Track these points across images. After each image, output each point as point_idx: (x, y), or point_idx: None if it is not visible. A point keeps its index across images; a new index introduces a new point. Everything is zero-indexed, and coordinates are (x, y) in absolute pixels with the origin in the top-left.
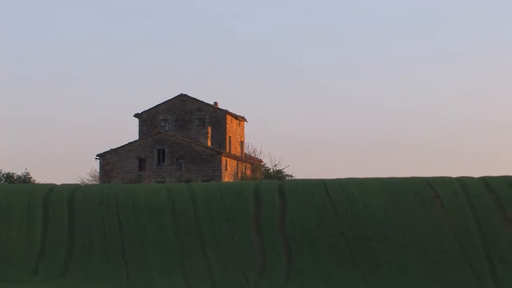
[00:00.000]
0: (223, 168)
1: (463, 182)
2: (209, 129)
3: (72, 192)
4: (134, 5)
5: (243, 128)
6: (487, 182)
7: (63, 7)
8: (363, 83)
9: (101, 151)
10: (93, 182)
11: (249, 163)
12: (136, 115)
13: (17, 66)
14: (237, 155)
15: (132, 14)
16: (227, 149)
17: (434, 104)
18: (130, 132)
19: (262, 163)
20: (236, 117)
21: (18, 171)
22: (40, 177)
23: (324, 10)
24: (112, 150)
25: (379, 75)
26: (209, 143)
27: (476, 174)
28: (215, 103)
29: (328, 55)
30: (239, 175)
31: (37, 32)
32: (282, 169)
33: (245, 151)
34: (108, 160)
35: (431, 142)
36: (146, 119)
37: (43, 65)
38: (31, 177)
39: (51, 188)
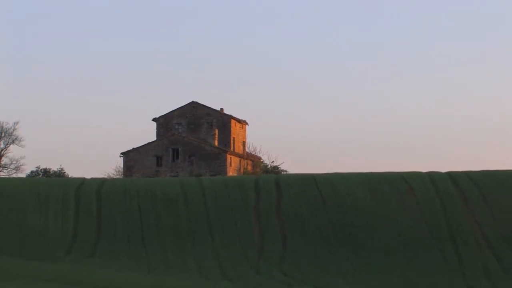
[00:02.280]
0: (228, 164)
1: (432, 176)
2: (216, 131)
3: (100, 185)
4: (153, 28)
5: (245, 130)
6: (452, 176)
7: (92, 25)
8: (350, 89)
9: (125, 150)
10: (117, 177)
11: (250, 160)
12: (154, 119)
13: (54, 78)
14: (240, 153)
15: (152, 34)
16: (231, 148)
17: (409, 107)
18: (149, 134)
19: (261, 160)
20: (239, 121)
21: (54, 167)
22: (73, 172)
23: (317, 22)
24: (133, 149)
25: (365, 79)
26: (216, 143)
27: (443, 169)
28: (221, 109)
29: (322, 64)
30: (242, 170)
31: (73, 48)
32: (278, 165)
33: (247, 150)
34: (130, 157)
35: (406, 141)
36: (163, 122)
37: (77, 77)
38: (65, 172)
39: (82, 182)
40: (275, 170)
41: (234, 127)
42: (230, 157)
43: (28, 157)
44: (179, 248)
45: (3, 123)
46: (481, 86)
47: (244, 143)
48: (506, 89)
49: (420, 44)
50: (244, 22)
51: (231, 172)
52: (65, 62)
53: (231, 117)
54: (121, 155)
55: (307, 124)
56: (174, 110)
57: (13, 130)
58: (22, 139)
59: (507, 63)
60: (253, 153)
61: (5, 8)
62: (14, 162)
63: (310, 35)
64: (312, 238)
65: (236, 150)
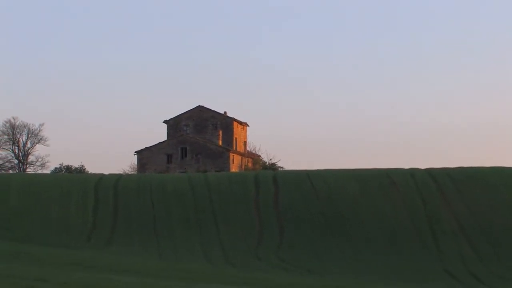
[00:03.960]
0: (230, 162)
1: (413, 173)
2: (220, 132)
3: (116, 180)
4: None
5: (246, 131)
6: (431, 172)
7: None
8: (342, 94)
9: (139, 149)
10: (132, 173)
11: (251, 158)
12: (165, 121)
13: (76, 84)
14: (241, 152)
15: (162, 45)
16: (234, 147)
17: (395, 111)
18: (160, 134)
19: (261, 158)
20: (241, 123)
21: (75, 164)
22: (92, 169)
23: (314, 29)
24: (146, 148)
25: (356, 84)
26: (220, 143)
27: (423, 166)
28: (225, 112)
29: (317, 71)
30: (243, 167)
31: (94, 58)
32: (276, 162)
33: (248, 148)
34: (144, 155)
35: (390, 141)
36: (173, 124)
37: (97, 83)
38: (85, 169)
39: (100, 177)
40: (273, 166)
41: (236, 128)
42: (233, 155)
43: (52, 155)
44: (187, 237)
45: (29, 124)
46: (460, 92)
47: (245, 142)
48: (481, 94)
49: (411, 52)
50: (245, 33)
51: (234, 168)
52: (87, 71)
53: (233, 119)
54: (136, 153)
55: (302, 125)
56: (182, 113)
57: (39, 131)
58: (47, 139)
59: (488, 67)
60: (253, 151)
61: (30, 17)
62: (40, 159)
63: (308, 43)
64: (306, 228)
65: (238, 149)
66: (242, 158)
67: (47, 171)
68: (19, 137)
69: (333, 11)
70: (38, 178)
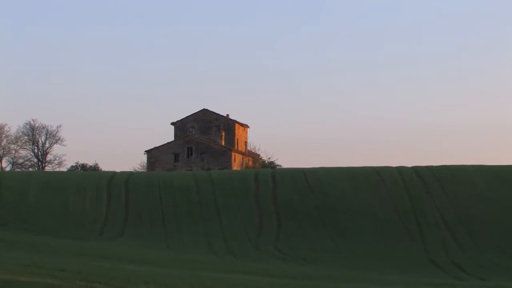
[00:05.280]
0: (232, 160)
1: (400, 170)
2: (223, 133)
3: (127, 177)
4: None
5: (246, 132)
6: (417, 170)
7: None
8: (336, 98)
9: (148, 149)
10: (142, 170)
11: (251, 157)
12: (172, 123)
13: (91, 89)
14: (243, 151)
15: (169, 54)
16: (236, 147)
17: (384, 114)
18: (168, 135)
19: (260, 157)
20: (242, 124)
21: (90, 162)
22: (105, 166)
23: (312, 39)
24: (155, 147)
25: (349, 90)
26: (223, 143)
27: (409, 164)
28: (227, 115)
29: (313, 76)
30: (244, 165)
31: (108, 66)
32: (274, 161)
33: (248, 148)
34: (153, 154)
35: (379, 141)
36: (179, 126)
37: (109, 88)
38: (99, 167)
39: (113, 174)
40: (272, 165)
41: (238, 130)
42: (234, 155)
43: (69, 155)
44: (193, 229)
45: (48, 126)
46: (448, 95)
47: (246, 143)
48: (468, 96)
49: (402, 55)
50: (247, 38)
51: (235, 166)
52: (101, 76)
53: (235, 121)
54: (145, 152)
55: (298, 127)
56: (188, 115)
57: (56, 132)
58: (64, 139)
59: (476, 69)
60: (253, 151)
61: (44, 23)
62: (57, 158)
63: (305, 52)
64: (301, 221)
65: (239, 149)
66: (243, 157)
67: (64, 169)
68: (38, 138)
69: (332, 15)
70: (56, 175)
